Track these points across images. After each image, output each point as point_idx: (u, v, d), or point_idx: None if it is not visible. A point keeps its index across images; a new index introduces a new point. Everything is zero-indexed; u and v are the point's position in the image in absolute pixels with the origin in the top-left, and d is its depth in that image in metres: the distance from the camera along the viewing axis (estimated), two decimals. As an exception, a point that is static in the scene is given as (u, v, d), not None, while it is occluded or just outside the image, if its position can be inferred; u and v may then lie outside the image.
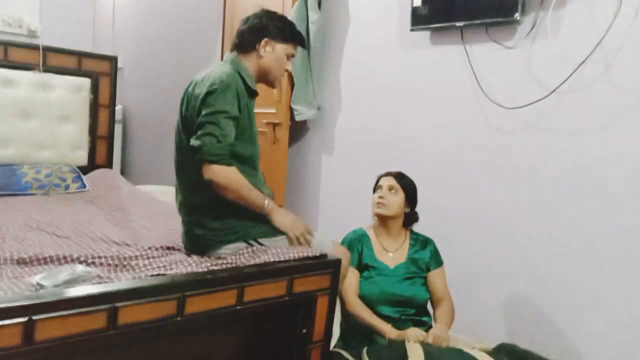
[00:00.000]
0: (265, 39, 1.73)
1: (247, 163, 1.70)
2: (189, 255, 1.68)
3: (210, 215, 1.65)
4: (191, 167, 1.61)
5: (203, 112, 1.59)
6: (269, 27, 1.74)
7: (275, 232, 1.71)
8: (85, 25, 3.29)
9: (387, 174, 2.05)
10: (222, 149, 1.56)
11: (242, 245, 1.66)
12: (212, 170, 1.56)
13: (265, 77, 1.78)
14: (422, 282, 1.99)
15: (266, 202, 1.67)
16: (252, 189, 1.64)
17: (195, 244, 1.68)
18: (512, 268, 2.28)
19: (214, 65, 1.74)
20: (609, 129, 1.99)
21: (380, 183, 2.04)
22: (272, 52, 1.74)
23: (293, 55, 1.82)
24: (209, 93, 1.60)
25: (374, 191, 2.05)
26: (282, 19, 1.79)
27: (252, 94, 1.73)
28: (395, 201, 1.98)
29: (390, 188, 1.99)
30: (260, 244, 1.67)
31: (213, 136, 1.55)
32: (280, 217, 1.70)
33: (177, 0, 4.19)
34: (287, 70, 1.82)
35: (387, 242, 2.02)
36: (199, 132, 1.57)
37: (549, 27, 2.11)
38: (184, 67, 4.12)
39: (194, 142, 1.57)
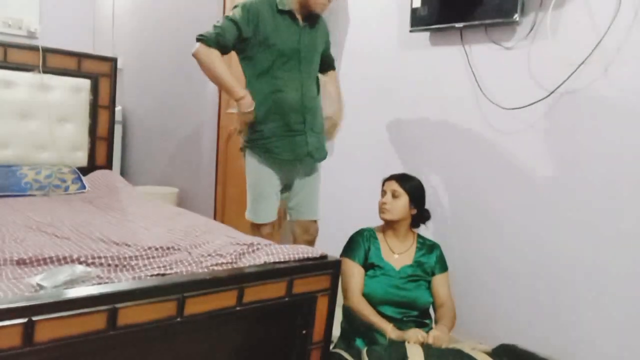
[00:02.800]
0: None
1: (271, 78, 2.18)
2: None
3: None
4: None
5: None
6: None
7: None
8: (85, 26, 3.29)
9: (390, 178, 2.05)
10: (210, 34, 2.09)
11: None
12: (196, 47, 2.10)
13: (306, 5, 2.19)
14: (426, 285, 2.00)
15: (242, 91, 2.15)
16: (227, 76, 2.14)
17: None
18: (512, 268, 2.28)
19: None
20: (609, 130, 1.99)
21: (384, 188, 2.05)
22: None
23: None
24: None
25: (381, 193, 2.06)
26: None
27: (283, 12, 2.18)
28: (399, 206, 1.99)
29: (393, 193, 2.00)
30: None
31: (210, 29, 2.10)
32: (244, 106, 2.16)
33: (176, 1, 4.19)
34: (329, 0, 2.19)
35: (395, 243, 2.03)
36: None
37: (548, 27, 2.12)
38: (183, 69, 4.13)
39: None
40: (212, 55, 2.10)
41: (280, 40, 2.17)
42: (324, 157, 2.40)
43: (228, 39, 2.11)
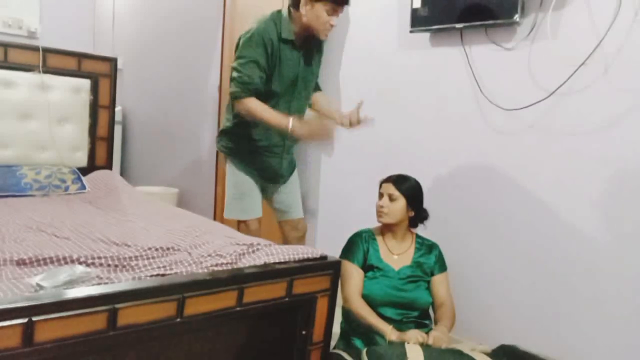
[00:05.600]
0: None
1: (270, 97, 2.16)
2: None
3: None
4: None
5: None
6: None
7: None
8: (85, 26, 3.29)
9: (387, 180, 2.03)
10: (238, 87, 2.09)
11: None
12: (236, 105, 2.16)
13: (309, 31, 2.16)
14: (425, 286, 1.99)
15: (288, 122, 2.05)
16: (272, 113, 2.09)
17: None
18: (512, 269, 2.28)
19: None
20: (609, 130, 1.99)
21: (381, 190, 2.03)
22: (311, 10, 2.10)
23: (335, 11, 2.11)
24: (238, 42, 2.16)
25: (378, 196, 2.05)
26: None
27: (286, 41, 2.15)
28: (396, 209, 1.98)
29: (390, 196, 1.98)
30: None
31: (234, 79, 2.11)
32: (299, 131, 2.06)
33: (177, 1, 4.19)
34: (332, 25, 2.14)
35: (393, 244, 2.03)
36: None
37: (548, 28, 2.12)
38: (183, 69, 4.13)
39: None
40: (250, 102, 2.10)
41: (284, 69, 2.19)
42: (294, 170, 2.49)
43: (256, 82, 2.10)
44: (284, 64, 2.18)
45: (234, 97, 2.12)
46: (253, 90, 2.10)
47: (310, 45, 2.27)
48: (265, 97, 2.17)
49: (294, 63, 2.22)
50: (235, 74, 2.11)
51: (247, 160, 2.31)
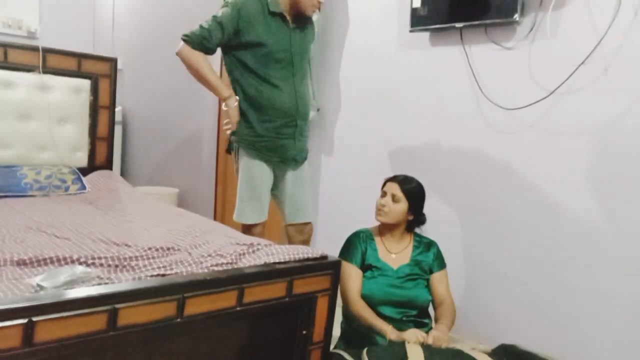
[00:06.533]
0: None
1: (263, 80, 2.19)
2: None
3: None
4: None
5: None
6: None
7: None
8: (85, 26, 3.30)
9: (393, 179, 2.02)
10: (195, 34, 2.13)
11: None
12: (180, 47, 2.17)
13: (296, 7, 2.20)
14: (424, 284, 1.99)
15: (228, 94, 2.20)
16: (213, 76, 2.19)
17: None
18: (512, 268, 2.28)
19: None
20: (609, 130, 1.99)
21: (385, 189, 2.02)
22: None
23: None
24: None
25: (381, 193, 2.04)
26: None
27: (275, 14, 2.17)
28: (397, 210, 1.97)
29: (393, 196, 1.97)
30: None
31: (197, 29, 2.14)
32: (229, 108, 2.21)
33: (177, 1, 4.19)
34: (320, 2, 2.21)
35: (391, 243, 2.02)
36: None
37: (548, 27, 2.12)
38: (183, 69, 4.12)
39: None
40: (196, 55, 2.15)
41: (272, 42, 2.18)
42: (305, 159, 2.43)
43: (213, 42, 2.14)
44: (271, 37, 2.17)
45: (184, 39, 2.15)
46: (204, 47, 2.15)
47: (302, 22, 2.28)
48: (265, 76, 2.18)
49: (284, 38, 2.21)
50: (201, 24, 2.16)
51: (258, 144, 2.25)
